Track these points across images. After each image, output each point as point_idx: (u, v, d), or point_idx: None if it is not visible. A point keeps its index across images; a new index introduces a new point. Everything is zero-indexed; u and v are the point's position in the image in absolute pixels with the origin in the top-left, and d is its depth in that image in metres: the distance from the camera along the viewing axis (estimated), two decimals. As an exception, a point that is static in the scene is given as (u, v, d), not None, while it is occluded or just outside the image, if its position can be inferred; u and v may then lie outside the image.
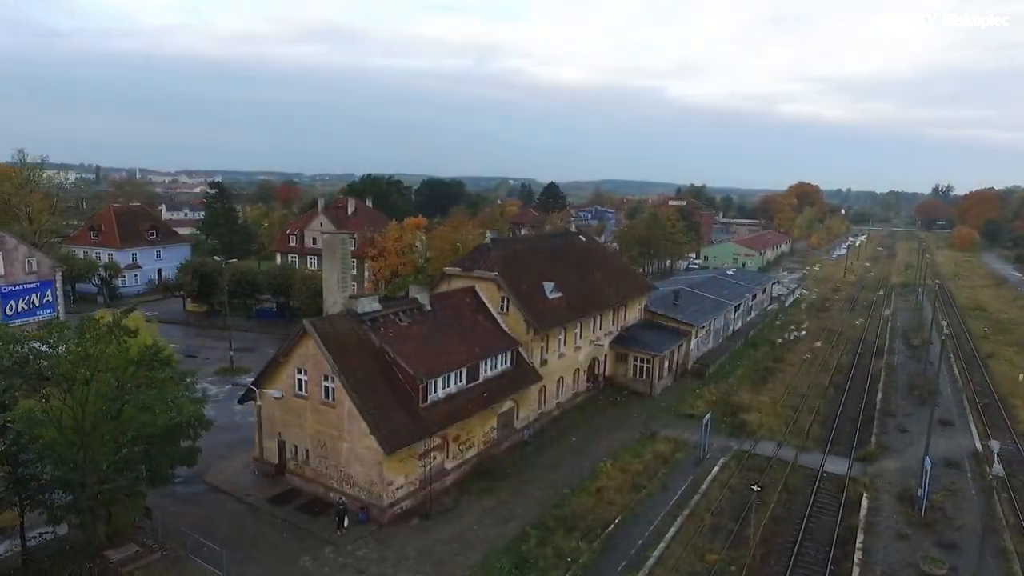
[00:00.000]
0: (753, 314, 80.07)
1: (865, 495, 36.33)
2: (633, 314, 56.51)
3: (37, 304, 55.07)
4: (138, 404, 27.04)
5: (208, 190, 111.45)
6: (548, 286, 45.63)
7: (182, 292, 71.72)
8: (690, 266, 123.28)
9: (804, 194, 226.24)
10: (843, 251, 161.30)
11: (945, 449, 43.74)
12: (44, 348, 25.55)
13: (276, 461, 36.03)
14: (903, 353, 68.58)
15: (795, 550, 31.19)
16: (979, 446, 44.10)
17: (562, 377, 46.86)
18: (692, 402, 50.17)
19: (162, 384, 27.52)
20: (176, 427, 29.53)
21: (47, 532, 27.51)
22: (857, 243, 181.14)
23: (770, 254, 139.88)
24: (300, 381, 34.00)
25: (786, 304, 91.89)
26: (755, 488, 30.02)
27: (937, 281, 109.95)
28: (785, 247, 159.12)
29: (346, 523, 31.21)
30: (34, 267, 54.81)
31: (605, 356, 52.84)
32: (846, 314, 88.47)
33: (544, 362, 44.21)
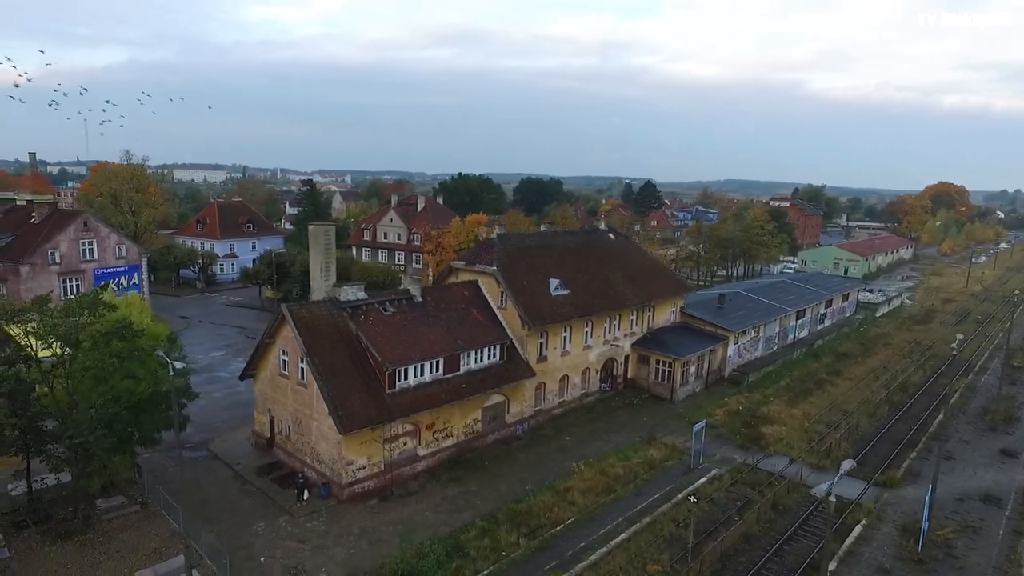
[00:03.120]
0: (827, 322, 73.80)
1: (863, 522, 32.96)
2: (664, 316, 54.36)
3: (125, 285, 62.67)
4: (122, 372, 30.60)
5: (338, 188, 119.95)
6: (553, 283, 45.23)
7: (259, 280, 78.37)
8: (784, 270, 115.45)
9: (943, 195, 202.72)
10: (982, 259, 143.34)
11: (992, 482, 38.51)
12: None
13: (268, 435, 38.88)
14: (996, 374, 60.28)
15: (752, 571, 29.01)
16: (1037, 483, 38.35)
17: (567, 375, 46.18)
18: (712, 410, 47.61)
19: (140, 355, 30.79)
20: (163, 395, 32.95)
21: (47, 478, 31.69)
22: (1000, 250, 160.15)
23: (882, 260, 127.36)
24: (283, 361, 36.54)
25: (877, 314, 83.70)
26: (692, 499, 28.21)
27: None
28: (905, 252, 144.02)
29: (305, 496, 33.18)
30: (123, 253, 62.54)
31: (626, 357, 51.37)
32: (948, 328, 78.99)
33: (543, 359, 43.88)
